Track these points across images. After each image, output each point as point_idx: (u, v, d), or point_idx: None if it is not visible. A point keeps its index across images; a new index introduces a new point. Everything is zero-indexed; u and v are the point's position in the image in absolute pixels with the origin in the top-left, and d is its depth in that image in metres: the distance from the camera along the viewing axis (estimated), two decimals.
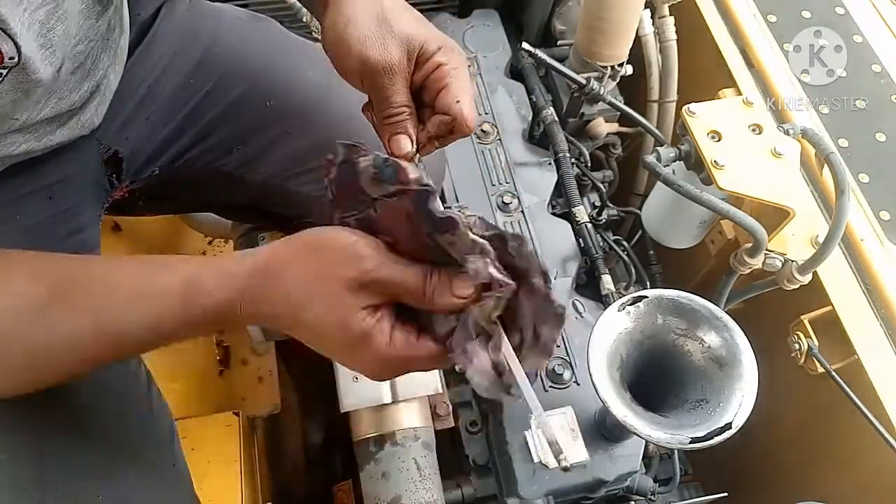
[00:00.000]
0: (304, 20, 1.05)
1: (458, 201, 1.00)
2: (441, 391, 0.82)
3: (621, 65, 1.06)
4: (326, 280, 0.48)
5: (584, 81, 1.02)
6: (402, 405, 0.81)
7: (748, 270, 0.87)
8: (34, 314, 0.51)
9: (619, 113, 1.08)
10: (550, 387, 0.86)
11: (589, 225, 1.01)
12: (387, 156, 0.50)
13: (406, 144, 0.56)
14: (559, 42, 1.20)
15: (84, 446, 0.62)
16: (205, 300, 0.50)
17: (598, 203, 1.12)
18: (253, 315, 0.50)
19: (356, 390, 0.81)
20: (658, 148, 0.88)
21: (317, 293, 0.48)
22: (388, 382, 0.82)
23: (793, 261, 0.84)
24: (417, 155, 0.56)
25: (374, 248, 0.49)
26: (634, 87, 1.14)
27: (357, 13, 0.56)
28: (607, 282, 0.97)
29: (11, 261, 0.54)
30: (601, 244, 1.02)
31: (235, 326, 0.49)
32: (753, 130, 0.85)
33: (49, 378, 0.55)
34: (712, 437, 0.65)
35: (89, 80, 0.66)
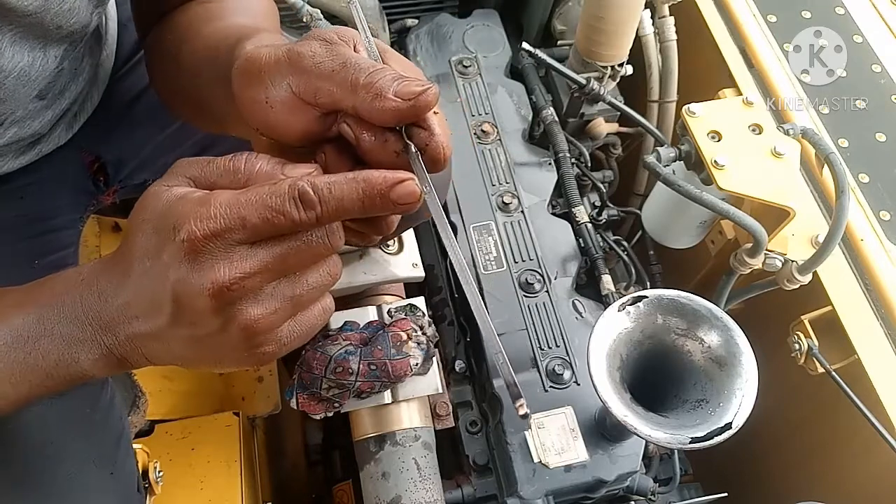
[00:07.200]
0: (305, 20, 1.05)
1: (458, 201, 1.00)
2: (441, 391, 0.82)
3: (621, 65, 1.06)
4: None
5: (584, 81, 1.02)
6: (402, 405, 0.81)
7: (748, 270, 0.87)
8: None
9: (619, 113, 1.08)
10: (550, 387, 0.86)
11: (589, 225, 1.01)
12: None
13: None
14: (559, 42, 1.20)
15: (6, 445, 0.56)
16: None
17: (598, 203, 1.12)
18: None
19: None
20: (658, 148, 0.88)
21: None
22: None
23: (793, 261, 0.84)
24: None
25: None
26: (634, 87, 1.14)
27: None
28: (607, 282, 0.98)
29: None
30: (601, 244, 1.02)
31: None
32: (753, 130, 0.85)
33: None
34: (712, 437, 0.65)
35: (55, 107, 0.65)
